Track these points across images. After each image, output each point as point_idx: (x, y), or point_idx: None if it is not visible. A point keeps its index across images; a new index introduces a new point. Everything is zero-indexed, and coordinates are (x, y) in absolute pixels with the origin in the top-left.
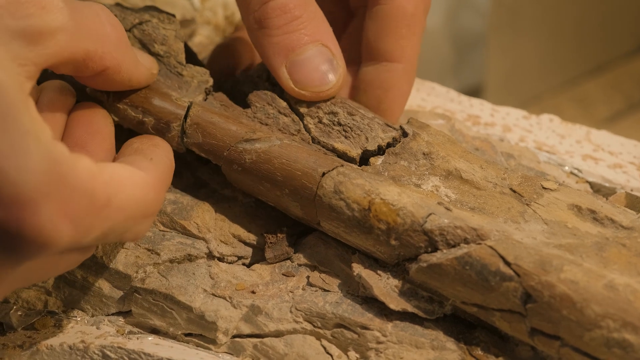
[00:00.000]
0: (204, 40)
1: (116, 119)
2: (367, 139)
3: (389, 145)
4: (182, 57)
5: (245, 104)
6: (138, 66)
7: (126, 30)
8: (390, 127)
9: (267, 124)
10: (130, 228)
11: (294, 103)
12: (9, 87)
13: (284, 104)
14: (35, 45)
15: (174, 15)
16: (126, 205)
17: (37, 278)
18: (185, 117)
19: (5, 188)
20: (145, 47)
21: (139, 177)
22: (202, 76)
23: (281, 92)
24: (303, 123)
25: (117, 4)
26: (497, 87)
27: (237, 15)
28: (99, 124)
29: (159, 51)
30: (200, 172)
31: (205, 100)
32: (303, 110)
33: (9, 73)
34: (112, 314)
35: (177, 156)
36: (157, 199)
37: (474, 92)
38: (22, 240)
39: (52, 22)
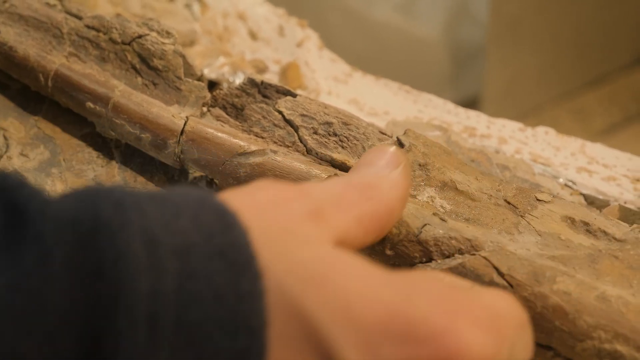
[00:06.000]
0: (204, 50)
1: (113, 134)
2: (363, 148)
3: None
4: (180, 71)
5: (241, 118)
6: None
7: (125, 44)
8: (385, 135)
9: (263, 137)
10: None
11: (288, 115)
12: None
13: (279, 116)
14: (320, 224)
15: (173, 29)
16: (509, 317)
17: None
18: (182, 132)
19: (416, 328)
20: (144, 61)
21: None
22: (199, 91)
23: (275, 105)
24: (298, 134)
25: (118, 15)
26: (496, 99)
27: (236, 26)
28: None
29: (158, 65)
30: (198, 180)
31: (202, 115)
32: (297, 122)
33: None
34: None
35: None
36: None
37: (473, 103)
38: None
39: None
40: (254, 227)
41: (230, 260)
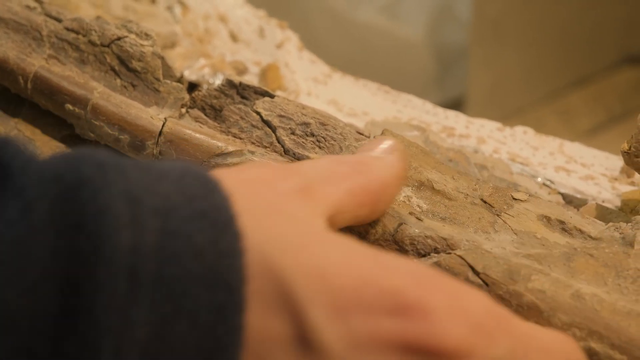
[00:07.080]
0: (184, 52)
1: (92, 135)
2: (341, 148)
3: None
4: (159, 73)
5: (219, 119)
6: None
7: (104, 46)
8: (363, 135)
9: (241, 138)
10: None
11: (266, 115)
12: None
13: (257, 117)
14: (310, 200)
15: (152, 31)
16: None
17: None
18: (160, 133)
19: (388, 298)
20: (123, 63)
21: None
22: (178, 92)
23: (253, 106)
24: (276, 135)
25: (97, 17)
26: (480, 100)
27: (217, 28)
28: None
29: (137, 67)
30: None
31: (181, 116)
32: (275, 122)
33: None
34: None
35: None
36: None
37: (457, 104)
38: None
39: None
40: (237, 197)
41: (211, 220)
